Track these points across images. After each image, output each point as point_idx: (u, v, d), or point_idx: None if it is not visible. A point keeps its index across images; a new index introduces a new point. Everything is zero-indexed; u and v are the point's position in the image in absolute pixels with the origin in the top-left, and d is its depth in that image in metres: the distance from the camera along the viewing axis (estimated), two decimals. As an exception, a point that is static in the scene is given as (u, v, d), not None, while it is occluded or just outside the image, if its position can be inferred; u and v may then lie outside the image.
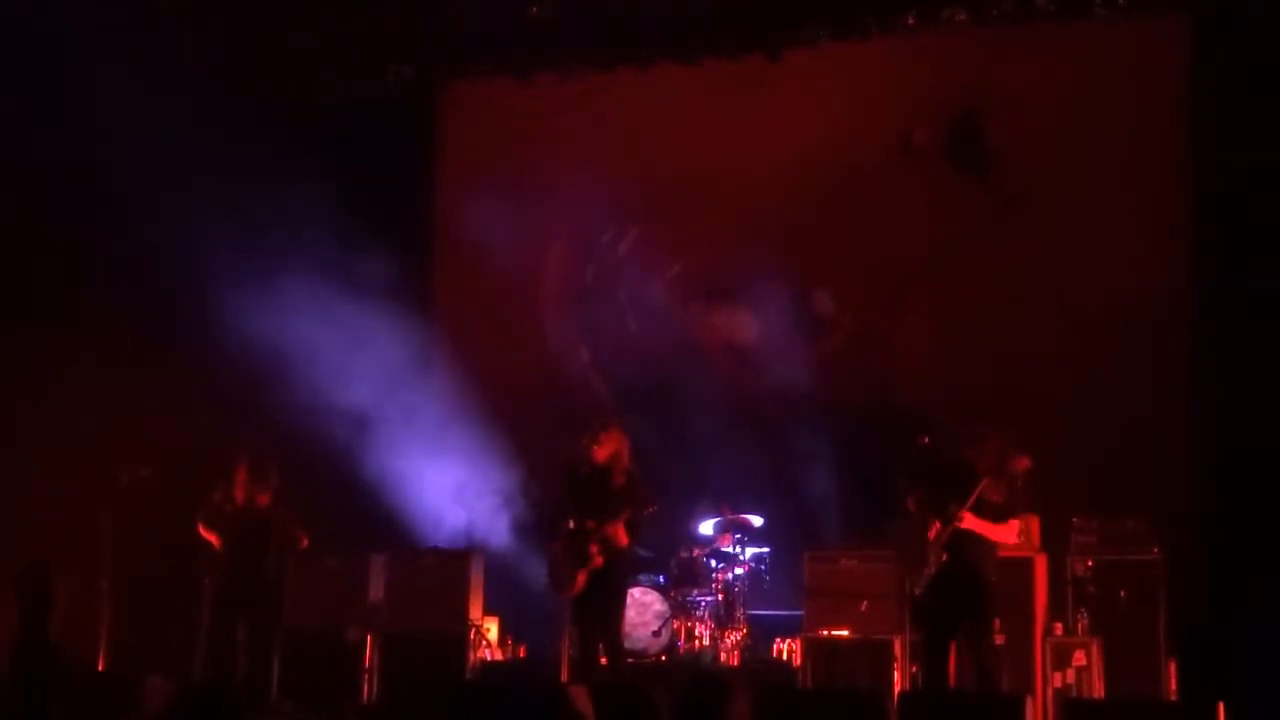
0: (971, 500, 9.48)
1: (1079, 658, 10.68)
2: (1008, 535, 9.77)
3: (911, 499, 9.83)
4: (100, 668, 11.53)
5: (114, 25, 12.36)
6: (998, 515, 9.58)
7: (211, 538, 11.00)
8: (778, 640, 11.94)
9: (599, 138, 13.62)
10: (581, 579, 10.42)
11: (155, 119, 12.93)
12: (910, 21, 12.41)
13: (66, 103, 12.84)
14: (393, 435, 12.98)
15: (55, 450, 12.49)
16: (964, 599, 9.55)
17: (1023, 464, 9.66)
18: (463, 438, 13.08)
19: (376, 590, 11.95)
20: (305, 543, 11.16)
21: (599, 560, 10.39)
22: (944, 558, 9.53)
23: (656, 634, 11.90)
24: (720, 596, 12.06)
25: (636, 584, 11.73)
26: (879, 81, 13.03)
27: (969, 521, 9.49)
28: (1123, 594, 10.72)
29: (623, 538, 10.41)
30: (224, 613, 10.95)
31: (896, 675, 10.82)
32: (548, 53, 13.29)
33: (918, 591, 9.70)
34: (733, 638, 11.95)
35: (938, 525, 9.59)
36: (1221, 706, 8.08)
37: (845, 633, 11.16)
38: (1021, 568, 10.83)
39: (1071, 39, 12.39)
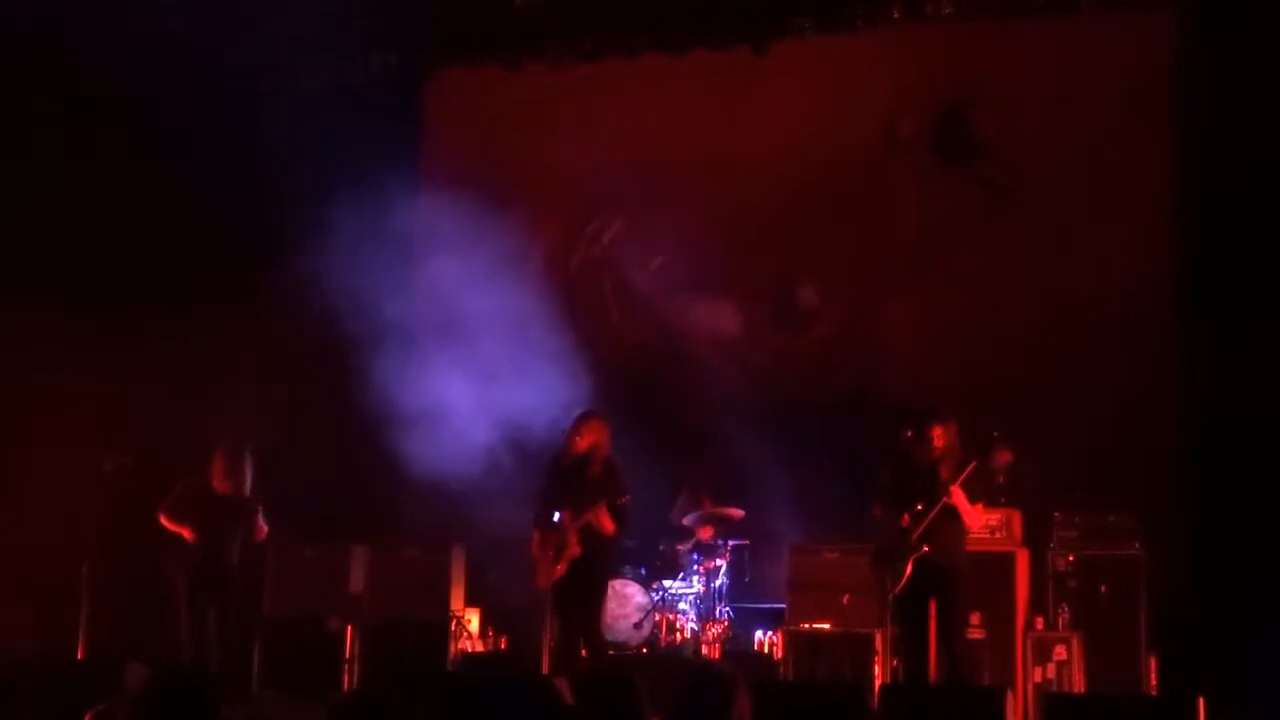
0: (964, 476, 9.54)
1: (1060, 652, 10.70)
2: (977, 518, 9.85)
3: (877, 504, 9.90)
4: (80, 655, 11.51)
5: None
6: (971, 496, 9.66)
7: (182, 530, 10.91)
8: (759, 633, 11.96)
9: (585, 128, 13.60)
10: (560, 569, 10.41)
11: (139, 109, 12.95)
12: (896, 15, 12.40)
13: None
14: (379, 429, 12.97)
15: (37, 438, 12.43)
16: (937, 589, 9.59)
17: (1004, 457, 9.70)
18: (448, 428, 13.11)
19: (357, 580, 11.93)
20: (264, 533, 11.05)
21: (577, 549, 10.37)
22: (924, 549, 9.56)
23: (638, 626, 11.90)
24: (702, 589, 12.05)
25: (617, 576, 11.72)
26: (865, 74, 13.04)
27: (957, 497, 9.55)
28: (1104, 589, 10.75)
29: (607, 525, 10.39)
30: (198, 603, 10.88)
31: (878, 668, 10.83)
32: (535, 42, 13.26)
33: (896, 590, 9.70)
34: (714, 630, 11.94)
35: (908, 517, 9.64)
36: (1202, 701, 8.10)
37: (827, 626, 11.18)
38: (1003, 562, 10.87)
39: (1058, 33, 12.39)
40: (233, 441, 11.09)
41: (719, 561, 12.14)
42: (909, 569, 9.59)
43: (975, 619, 10.68)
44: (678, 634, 12.00)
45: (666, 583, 12.11)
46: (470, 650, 11.98)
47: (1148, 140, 12.09)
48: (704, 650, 11.83)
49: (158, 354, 12.62)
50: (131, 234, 13.10)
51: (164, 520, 10.93)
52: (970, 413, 10.16)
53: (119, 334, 12.62)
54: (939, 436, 9.75)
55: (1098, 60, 12.33)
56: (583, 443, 10.56)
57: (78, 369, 12.53)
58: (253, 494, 10.95)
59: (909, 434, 9.90)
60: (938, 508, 9.58)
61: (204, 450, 11.24)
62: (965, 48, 12.71)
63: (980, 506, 9.84)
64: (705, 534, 12.25)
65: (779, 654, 11.39)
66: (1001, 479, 10.56)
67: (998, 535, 10.92)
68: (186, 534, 10.86)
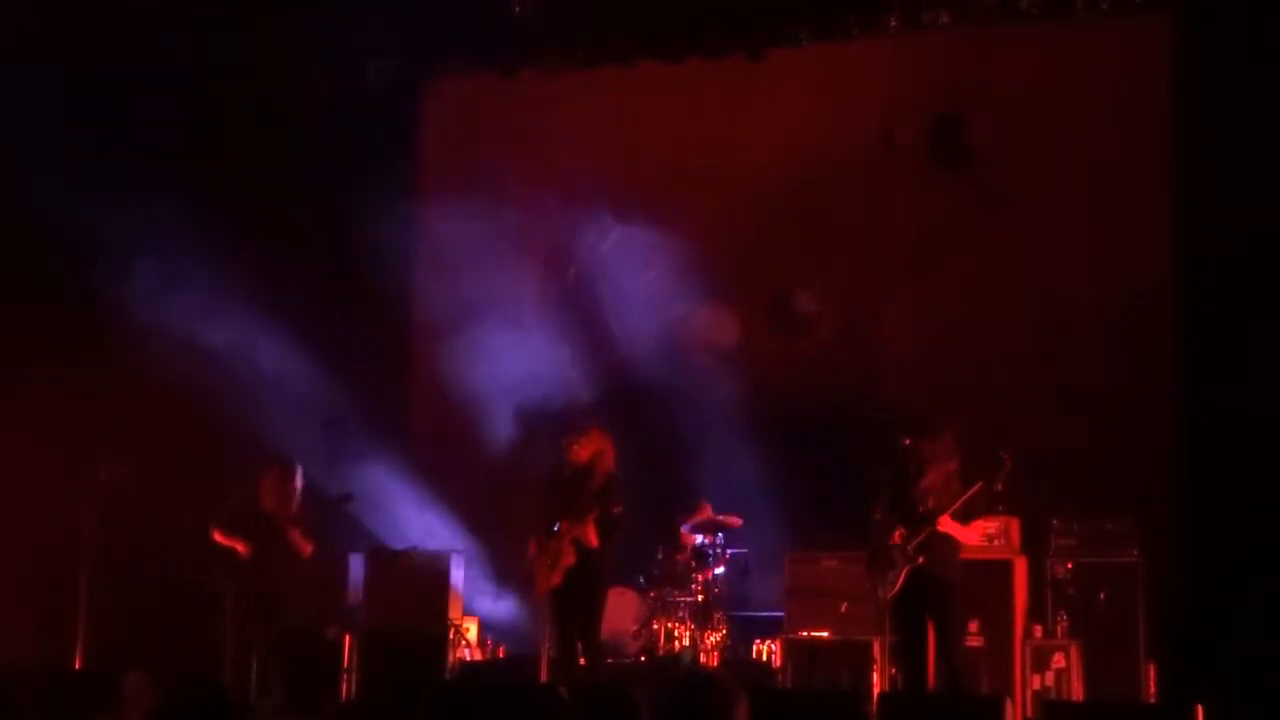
0: (958, 505, 9.52)
1: (1058, 660, 10.70)
2: (974, 536, 9.84)
3: (877, 509, 9.86)
4: (77, 665, 11.51)
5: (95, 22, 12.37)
6: (966, 518, 9.64)
7: (235, 544, 10.92)
8: (757, 641, 11.94)
9: (582, 136, 13.59)
10: (555, 579, 10.38)
11: (137, 116, 12.96)
12: (893, 23, 12.39)
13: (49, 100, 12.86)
14: (370, 434, 12.96)
15: (34, 447, 12.41)
16: (932, 600, 9.57)
17: (1003, 467, 9.67)
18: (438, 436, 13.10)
19: (356, 589, 11.92)
20: (309, 550, 11.07)
21: (571, 559, 10.35)
22: (920, 561, 9.55)
23: (636, 635, 11.88)
24: (700, 597, 12.03)
25: (616, 584, 11.70)
26: (861, 81, 13.03)
27: (946, 524, 9.53)
28: (1102, 596, 10.75)
29: (592, 539, 10.35)
30: (246, 617, 10.90)
31: (876, 676, 10.81)
32: (530, 50, 13.25)
33: (888, 595, 9.69)
34: (712, 638, 11.93)
35: (904, 528, 9.62)
36: (1200, 709, 8.10)
37: (825, 634, 11.17)
38: (1001, 570, 10.87)
39: (1054, 40, 12.39)
40: (282, 459, 11.13)
41: (717, 570, 12.12)
42: (902, 578, 9.58)
43: (974, 627, 10.68)
44: (676, 642, 11.98)
45: (665, 591, 12.09)
46: (469, 659, 11.96)
47: (1144, 144, 12.09)
48: (702, 659, 11.81)
49: (155, 366, 12.60)
50: (126, 238, 13.08)
51: (216, 535, 10.93)
52: (969, 421, 10.15)
53: (118, 345, 12.61)
54: (935, 444, 9.73)
55: (1094, 65, 12.33)
56: (583, 453, 10.53)
57: (77, 378, 12.54)
58: (296, 512, 10.95)
59: (907, 442, 9.89)
60: (925, 533, 9.55)
61: (247, 468, 11.28)
62: (962, 54, 12.70)
63: (977, 524, 9.83)
64: (704, 542, 12.22)
65: (777, 662, 11.38)
66: (1000, 487, 10.54)
67: (996, 543, 10.92)
68: (240, 548, 10.86)
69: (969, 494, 9.57)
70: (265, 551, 10.83)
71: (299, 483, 11.03)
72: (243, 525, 10.87)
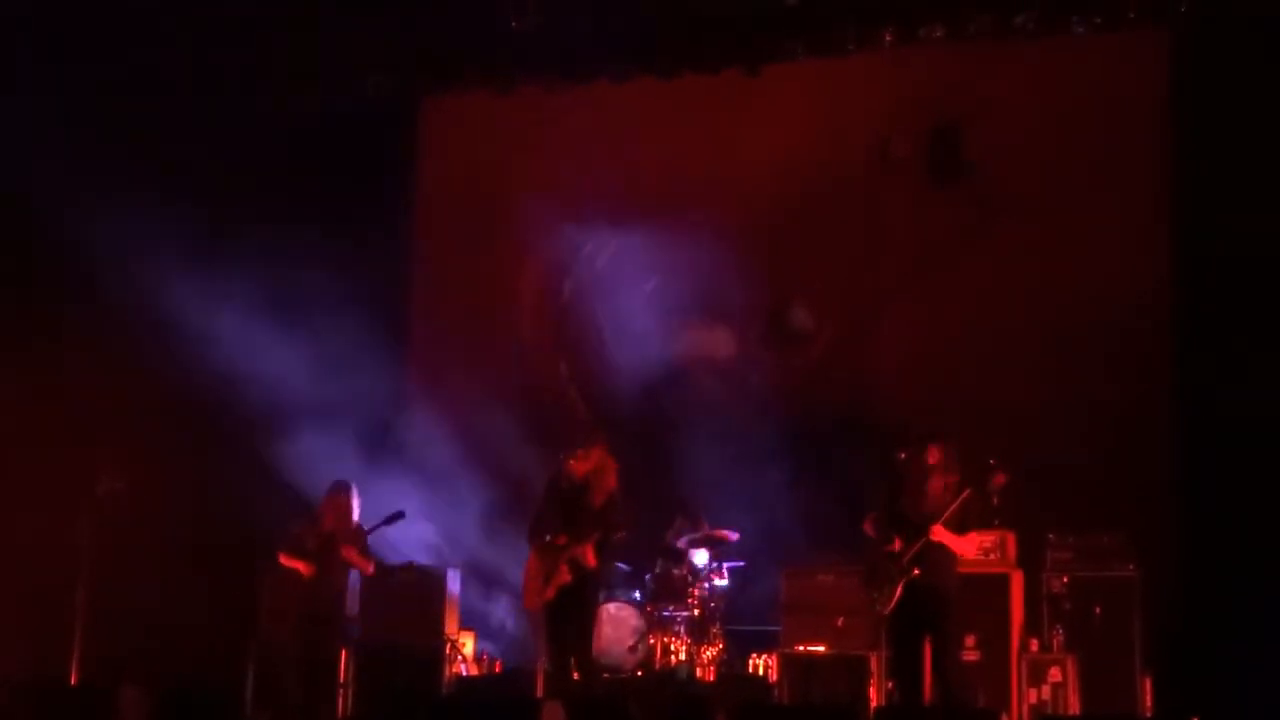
0: (950, 514, 9.52)
1: (1054, 674, 10.69)
2: (970, 548, 9.85)
3: (869, 523, 9.86)
4: (73, 680, 11.51)
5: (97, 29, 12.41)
6: (960, 528, 9.65)
7: (299, 565, 10.99)
8: (754, 655, 11.93)
9: (578, 151, 13.61)
10: (550, 593, 10.36)
11: (137, 125, 12.99)
12: (888, 38, 12.41)
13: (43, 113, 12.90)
14: (367, 449, 12.97)
15: (31, 460, 12.43)
16: (928, 613, 9.57)
17: (999, 479, 9.68)
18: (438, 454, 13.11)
19: (352, 604, 11.92)
20: (370, 569, 11.18)
21: (567, 577, 10.33)
22: (915, 572, 9.55)
23: (632, 649, 11.87)
24: (697, 612, 12.03)
25: (612, 599, 11.70)
26: (858, 96, 13.06)
27: (939, 534, 9.54)
28: (1098, 610, 10.75)
29: (590, 559, 10.32)
30: (308, 637, 10.97)
31: (873, 691, 10.82)
32: (528, 66, 13.26)
33: (885, 610, 9.68)
34: (709, 653, 11.92)
35: (899, 541, 9.63)
36: (1196, 722, 8.12)
37: (822, 648, 11.17)
38: (997, 584, 10.86)
39: (1050, 54, 12.40)
40: (340, 481, 11.21)
41: (714, 584, 12.12)
42: (899, 591, 9.58)
43: (970, 641, 10.67)
44: (673, 657, 11.97)
45: (662, 605, 12.08)
46: (465, 674, 11.95)
47: (1142, 158, 12.12)
48: (698, 673, 11.81)
49: (152, 380, 12.62)
50: (123, 246, 13.11)
51: (282, 559, 11.06)
52: (965, 435, 10.16)
53: (117, 358, 12.63)
54: (933, 457, 9.74)
55: (1090, 80, 12.36)
56: (581, 468, 10.48)
57: (74, 392, 12.55)
58: (350, 531, 11.03)
59: (903, 455, 9.89)
60: (920, 543, 9.56)
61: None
62: (957, 69, 12.72)
63: (973, 535, 9.84)
64: (700, 556, 12.22)
65: (773, 677, 11.37)
66: (996, 501, 10.54)
67: (992, 557, 10.92)
68: (303, 570, 10.96)
69: (959, 501, 9.58)
70: (325, 571, 10.95)
71: (355, 501, 11.13)
72: (305, 547, 10.99)
